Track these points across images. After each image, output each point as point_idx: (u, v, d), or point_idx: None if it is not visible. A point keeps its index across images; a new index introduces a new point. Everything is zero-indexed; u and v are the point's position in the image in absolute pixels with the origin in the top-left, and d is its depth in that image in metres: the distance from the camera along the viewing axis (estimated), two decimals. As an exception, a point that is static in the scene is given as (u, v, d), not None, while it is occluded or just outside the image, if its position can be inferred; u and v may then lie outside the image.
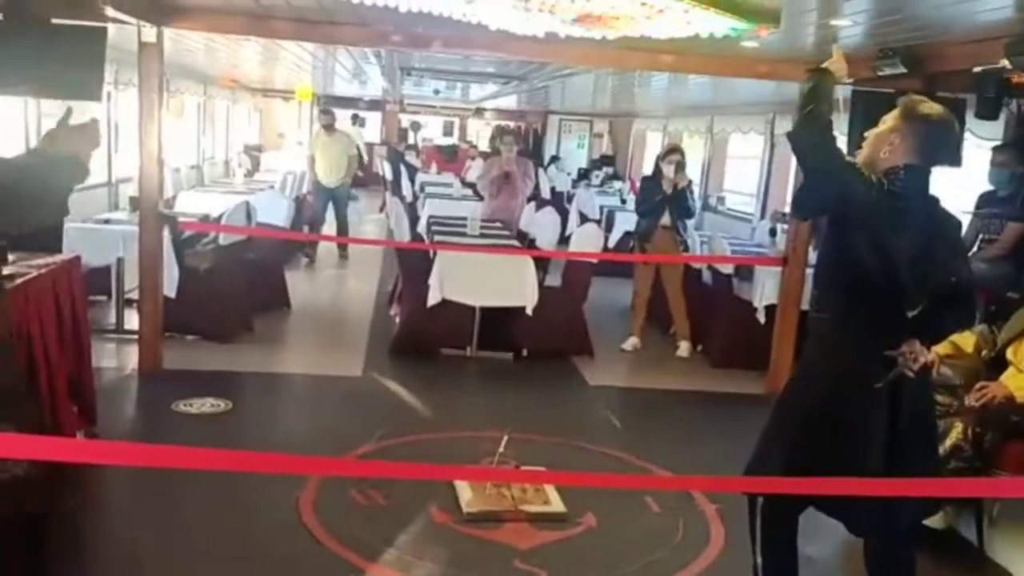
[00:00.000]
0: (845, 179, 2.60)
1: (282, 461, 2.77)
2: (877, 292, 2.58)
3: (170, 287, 5.53)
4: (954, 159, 2.81)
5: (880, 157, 2.64)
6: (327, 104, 19.30)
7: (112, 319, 6.05)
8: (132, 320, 5.80)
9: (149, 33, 5.15)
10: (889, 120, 2.70)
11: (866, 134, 2.75)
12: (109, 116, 8.19)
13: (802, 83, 2.75)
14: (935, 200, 2.67)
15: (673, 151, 6.78)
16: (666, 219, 6.61)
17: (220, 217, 6.67)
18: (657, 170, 6.74)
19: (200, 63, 10.04)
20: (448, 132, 21.92)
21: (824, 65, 2.82)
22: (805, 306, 5.87)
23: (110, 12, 4.82)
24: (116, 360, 5.54)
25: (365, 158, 9.34)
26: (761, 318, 6.19)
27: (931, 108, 2.68)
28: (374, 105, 19.87)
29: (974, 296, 2.80)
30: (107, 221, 6.43)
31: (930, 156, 2.65)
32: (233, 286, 6.29)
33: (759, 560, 2.92)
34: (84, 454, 2.73)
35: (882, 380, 2.54)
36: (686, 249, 6.91)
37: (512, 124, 19.23)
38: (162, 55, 5.20)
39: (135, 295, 5.66)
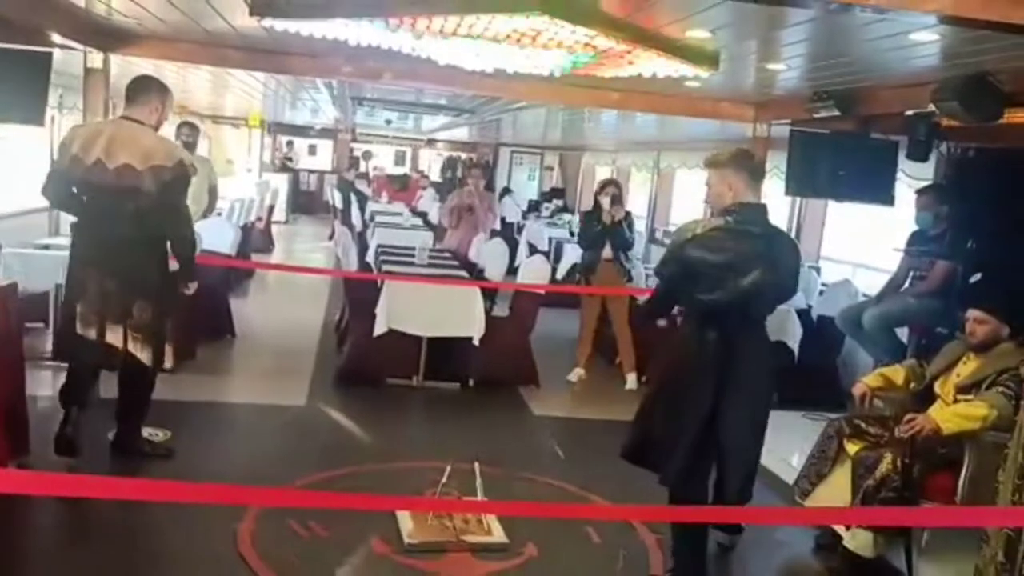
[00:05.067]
0: (669, 270, 3.51)
1: (218, 491, 2.74)
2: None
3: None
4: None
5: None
6: (278, 131, 19.34)
7: (48, 347, 5.91)
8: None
9: (95, 59, 5.13)
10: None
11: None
12: (52, 141, 8.06)
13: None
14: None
15: (608, 184, 6.90)
16: (607, 252, 6.69)
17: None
18: (596, 204, 6.85)
19: (148, 88, 9.93)
20: (400, 161, 21.97)
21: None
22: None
23: (56, 38, 4.80)
24: (52, 389, 5.38)
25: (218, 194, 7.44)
26: (704, 350, 6.29)
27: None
28: (326, 133, 19.87)
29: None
30: (47, 247, 6.31)
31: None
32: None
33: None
34: (15, 485, 2.67)
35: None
36: (630, 280, 7.00)
37: (475, 157, 19.36)
38: (108, 81, 5.17)
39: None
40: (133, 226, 4.08)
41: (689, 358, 3.45)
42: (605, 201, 6.66)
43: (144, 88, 4.25)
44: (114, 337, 4.18)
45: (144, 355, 4.24)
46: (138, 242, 4.13)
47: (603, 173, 14.73)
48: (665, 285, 3.67)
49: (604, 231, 6.65)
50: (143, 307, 4.19)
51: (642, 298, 7.03)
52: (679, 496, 3.44)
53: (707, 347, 3.35)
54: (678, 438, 3.39)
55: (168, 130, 5.18)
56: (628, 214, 6.89)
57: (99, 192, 4.07)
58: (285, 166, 18.43)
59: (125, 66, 6.19)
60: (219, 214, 9.16)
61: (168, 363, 4.37)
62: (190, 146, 7.31)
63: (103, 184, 4.03)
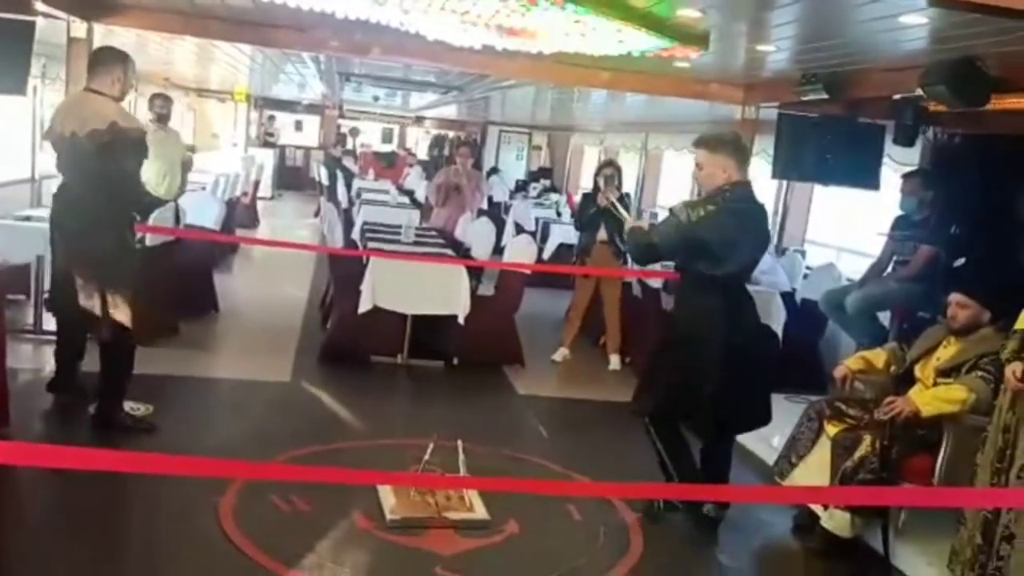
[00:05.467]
0: (671, 246, 3.80)
1: (200, 464, 2.74)
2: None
3: (92, 287, 5.38)
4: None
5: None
6: (264, 106, 19.17)
7: (30, 319, 5.86)
8: (51, 321, 5.62)
9: (79, 28, 5.05)
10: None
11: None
12: (35, 111, 7.96)
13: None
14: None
15: (606, 165, 6.86)
16: (603, 233, 6.67)
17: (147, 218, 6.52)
18: (596, 185, 6.82)
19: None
20: (387, 139, 21.85)
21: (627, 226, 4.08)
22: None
23: (40, 7, 4.73)
24: (33, 361, 5.37)
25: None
26: (688, 332, 6.31)
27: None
28: (313, 109, 19.72)
29: None
30: (28, 218, 6.23)
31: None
32: (159, 288, 6.15)
33: (665, 458, 3.93)
34: (-7, 456, 2.65)
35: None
36: (625, 263, 6.97)
37: (463, 135, 19.26)
38: (91, 50, 5.09)
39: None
40: (81, 191, 4.24)
41: (696, 319, 3.83)
42: (601, 182, 6.64)
43: (104, 59, 4.32)
44: (85, 301, 4.27)
45: (108, 322, 4.27)
46: (86, 207, 4.22)
47: (591, 154, 14.71)
48: (667, 258, 4.13)
49: (599, 213, 6.62)
50: (94, 272, 4.26)
51: (648, 281, 6.99)
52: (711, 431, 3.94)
53: (713, 310, 3.74)
54: (701, 388, 3.76)
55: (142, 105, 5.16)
56: (624, 196, 6.85)
57: (59, 160, 4.33)
58: (267, 142, 18.28)
59: (109, 36, 6.11)
60: (203, 188, 9.10)
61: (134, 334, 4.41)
62: (163, 118, 7.23)
63: (60, 153, 4.28)
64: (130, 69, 4.34)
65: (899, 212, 5.69)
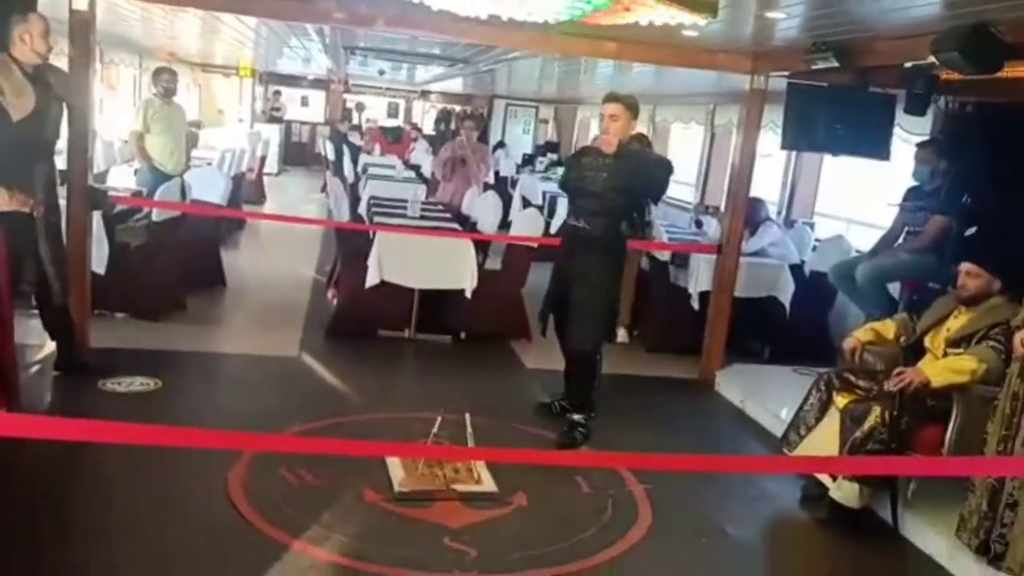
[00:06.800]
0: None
1: (208, 436, 2.74)
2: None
3: (99, 263, 5.39)
4: None
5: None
6: (270, 81, 19.07)
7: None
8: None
9: (81, 2, 4.99)
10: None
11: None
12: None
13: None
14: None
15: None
16: None
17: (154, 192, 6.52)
18: None
19: (136, 34, 9.77)
20: (393, 113, 21.73)
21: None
22: (738, 293, 6.04)
23: (41, -22, 4.68)
24: (41, 337, 5.39)
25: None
26: (695, 304, 6.30)
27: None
28: (318, 84, 19.62)
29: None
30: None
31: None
32: (166, 263, 6.17)
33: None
34: (4, 428, 2.66)
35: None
36: (643, 237, 6.84)
37: (469, 109, 19.14)
38: (94, 24, 5.05)
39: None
40: None
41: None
42: None
43: (7, 23, 4.28)
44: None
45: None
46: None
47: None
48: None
49: None
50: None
51: (657, 253, 6.89)
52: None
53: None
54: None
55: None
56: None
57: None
58: (273, 117, 18.22)
59: (110, 10, 6.07)
60: (209, 164, 9.09)
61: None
62: (169, 92, 7.22)
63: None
64: (33, 27, 4.29)
65: (911, 182, 5.64)
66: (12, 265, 4.09)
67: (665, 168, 4.88)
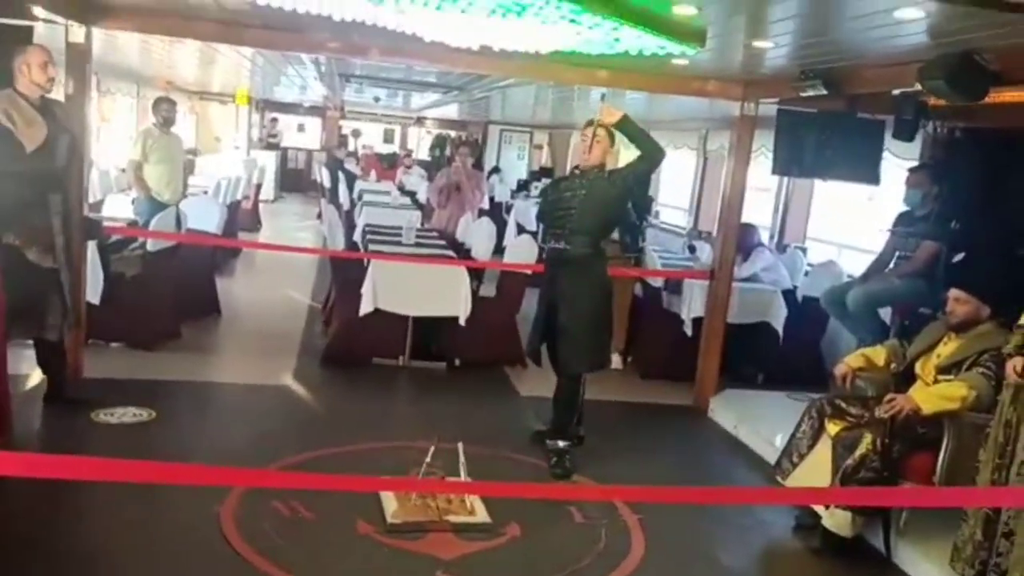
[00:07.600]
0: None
1: (199, 472, 2.73)
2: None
3: (94, 293, 5.41)
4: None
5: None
6: (266, 108, 19.17)
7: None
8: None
9: (77, 33, 5.04)
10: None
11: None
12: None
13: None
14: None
15: None
16: (614, 234, 6.61)
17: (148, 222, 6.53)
18: None
19: (134, 63, 9.84)
20: (389, 140, 21.84)
21: (595, 119, 4.85)
22: (731, 318, 6.05)
23: (38, 12, 4.72)
24: (32, 367, 5.37)
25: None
26: (688, 331, 6.31)
27: None
28: (314, 111, 19.73)
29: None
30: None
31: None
32: (161, 293, 6.17)
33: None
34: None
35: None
36: (637, 264, 6.87)
37: (464, 135, 19.24)
38: (90, 55, 5.09)
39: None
40: None
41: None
42: None
43: (10, 56, 4.33)
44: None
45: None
46: None
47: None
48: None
49: None
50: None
51: (650, 280, 6.93)
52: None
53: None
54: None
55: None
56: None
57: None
58: (270, 144, 18.29)
59: (108, 40, 6.12)
60: (205, 192, 9.11)
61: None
62: (168, 122, 7.27)
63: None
64: (29, 57, 4.31)
65: (902, 207, 5.67)
66: (6, 307, 4.07)
67: (641, 180, 5.25)
